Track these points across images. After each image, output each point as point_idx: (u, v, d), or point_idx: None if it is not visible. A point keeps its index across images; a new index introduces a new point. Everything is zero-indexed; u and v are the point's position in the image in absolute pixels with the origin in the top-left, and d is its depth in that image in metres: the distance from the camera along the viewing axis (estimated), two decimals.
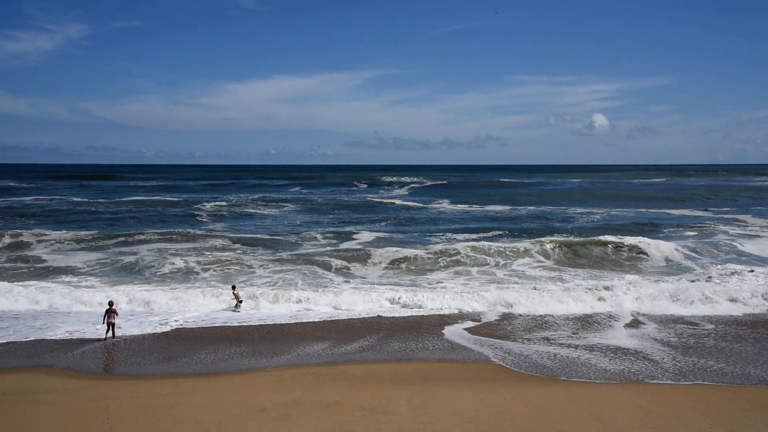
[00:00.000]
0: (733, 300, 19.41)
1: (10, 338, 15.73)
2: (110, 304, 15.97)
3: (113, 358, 14.31)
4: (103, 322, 15.76)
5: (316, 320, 17.81)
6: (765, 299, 19.35)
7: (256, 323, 17.50)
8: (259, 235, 34.21)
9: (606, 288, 20.80)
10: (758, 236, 33.82)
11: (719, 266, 25.59)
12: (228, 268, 24.82)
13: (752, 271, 24.11)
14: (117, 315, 15.89)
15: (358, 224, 42.09)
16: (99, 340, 15.58)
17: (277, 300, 19.53)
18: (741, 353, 14.49)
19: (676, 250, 28.13)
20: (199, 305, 19.19)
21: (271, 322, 17.58)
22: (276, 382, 12.23)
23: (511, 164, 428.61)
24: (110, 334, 15.63)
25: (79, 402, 11.11)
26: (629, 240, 28.36)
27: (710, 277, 23.36)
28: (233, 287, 19.54)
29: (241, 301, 18.84)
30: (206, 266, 25.12)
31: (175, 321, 17.58)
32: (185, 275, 24.13)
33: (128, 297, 19.67)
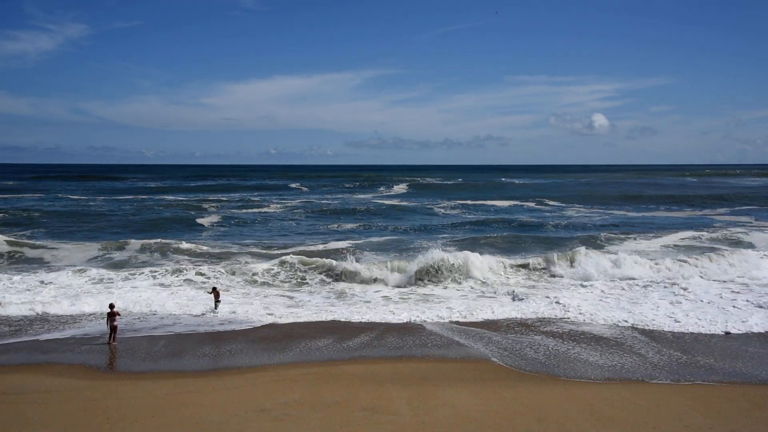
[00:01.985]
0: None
1: (11, 339, 15.74)
2: (111, 307, 15.90)
3: (113, 358, 14.30)
4: (106, 325, 15.73)
5: (314, 320, 17.82)
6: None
7: (254, 323, 17.51)
8: (254, 239, 34.50)
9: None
10: (760, 233, 33.82)
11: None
12: (220, 272, 24.40)
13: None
14: (119, 317, 15.84)
15: (352, 224, 42.45)
16: (100, 340, 15.57)
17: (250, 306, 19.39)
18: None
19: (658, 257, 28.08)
20: (196, 306, 19.18)
21: (269, 322, 17.58)
22: (276, 382, 12.22)
23: (511, 164, 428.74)
24: (113, 337, 15.58)
25: (79, 402, 11.12)
26: (614, 248, 27.52)
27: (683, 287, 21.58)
28: (214, 288, 19.56)
29: (218, 301, 18.87)
30: (201, 268, 25.06)
31: (175, 323, 17.62)
32: (182, 276, 24.09)
33: (127, 299, 19.68)
